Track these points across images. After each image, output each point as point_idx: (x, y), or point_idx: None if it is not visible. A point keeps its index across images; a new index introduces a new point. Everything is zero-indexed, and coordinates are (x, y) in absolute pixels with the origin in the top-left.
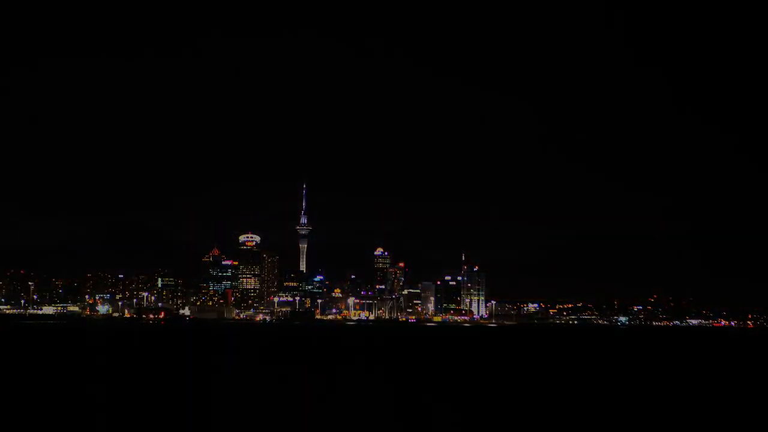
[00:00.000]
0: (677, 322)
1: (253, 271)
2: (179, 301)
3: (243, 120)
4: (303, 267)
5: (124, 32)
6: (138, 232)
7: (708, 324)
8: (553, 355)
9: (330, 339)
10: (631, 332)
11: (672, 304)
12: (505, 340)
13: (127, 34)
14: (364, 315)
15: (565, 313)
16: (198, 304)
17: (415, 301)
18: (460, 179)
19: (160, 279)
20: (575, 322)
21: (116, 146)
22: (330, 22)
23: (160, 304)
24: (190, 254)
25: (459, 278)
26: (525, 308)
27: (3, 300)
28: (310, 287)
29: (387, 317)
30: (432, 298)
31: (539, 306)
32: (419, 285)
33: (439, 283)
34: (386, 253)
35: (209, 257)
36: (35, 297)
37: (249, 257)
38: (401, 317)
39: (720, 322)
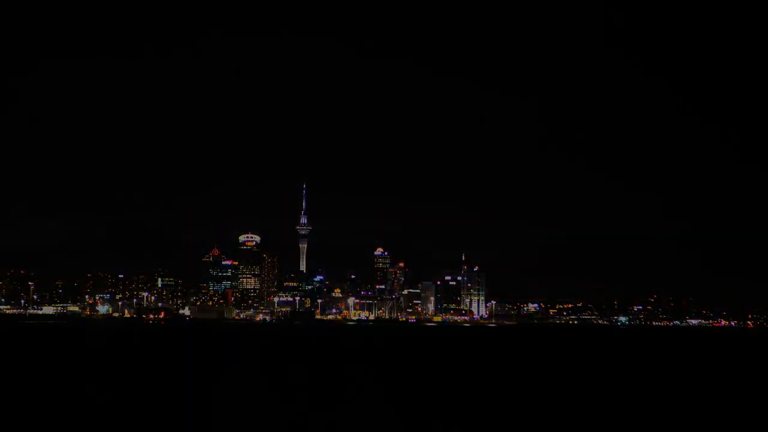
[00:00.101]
0: (677, 322)
1: (253, 271)
2: (179, 301)
3: (243, 120)
4: (303, 267)
5: (124, 32)
6: (138, 232)
7: (708, 324)
8: (553, 355)
9: (330, 339)
10: (630, 332)
11: (672, 304)
12: (505, 340)
13: (127, 34)
14: (364, 315)
15: (565, 313)
16: (198, 304)
17: (415, 301)
18: (460, 179)
19: (160, 279)
20: (575, 322)
21: (116, 146)
22: (330, 22)
23: (160, 304)
24: (190, 254)
25: (459, 278)
26: (525, 308)
27: (3, 300)
28: (310, 287)
29: (387, 317)
30: (432, 298)
31: (539, 306)
32: (419, 285)
33: (439, 283)
34: (386, 253)
35: (209, 257)
36: (35, 297)
37: (249, 257)
38: (401, 317)
39: (720, 322)
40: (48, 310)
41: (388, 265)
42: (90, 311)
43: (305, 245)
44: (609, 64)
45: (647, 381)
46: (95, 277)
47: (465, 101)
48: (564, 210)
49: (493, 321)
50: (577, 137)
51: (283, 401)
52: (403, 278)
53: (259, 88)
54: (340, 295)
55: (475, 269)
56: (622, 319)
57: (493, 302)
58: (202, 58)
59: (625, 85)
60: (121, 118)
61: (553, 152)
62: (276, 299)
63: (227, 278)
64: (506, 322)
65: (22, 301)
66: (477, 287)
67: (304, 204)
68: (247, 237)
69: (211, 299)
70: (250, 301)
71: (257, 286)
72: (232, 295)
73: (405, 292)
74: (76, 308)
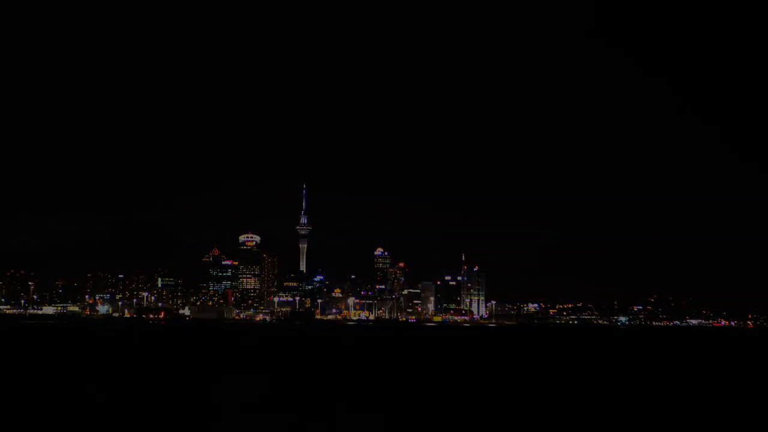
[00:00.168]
0: (677, 322)
1: (253, 271)
2: (179, 301)
3: (243, 120)
4: (303, 267)
5: (124, 32)
6: (138, 232)
7: (708, 324)
8: (553, 355)
9: (330, 339)
10: (629, 332)
11: (672, 304)
12: (505, 340)
13: (128, 34)
14: (364, 315)
15: (565, 313)
16: (198, 304)
17: (415, 301)
18: (460, 179)
19: (160, 279)
20: (575, 322)
21: (116, 146)
22: (330, 22)
23: (160, 304)
24: (190, 254)
25: (459, 278)
26: (525, 308)
27: (3, 300)
28: (310, 287)
29: (387, 317)
30: (432, 298)
31: (539, 306)
32: (419, 285)
33: (439, 283)
34: (386, 253)
35: (209, 257)
36: (35, 297)
37: (249, 257)
38: (401, 317)
39: (720, 322)
40: (48, 310)
41: (388, 265)
42: (90, 311)
43: (305, 245)
44: (609, 65)
45: (647, 381)
46: (95, 277)
47: (465, 101)
48: (564, 210)
49: (493, 321)
50: (577, 137)
51: (282, 401)
52: (403, 278)
53: (259, 88)
54: (340, 295)
55: (475, 269)
56: (622, 319)
57: (493, 302)
58: (202, 58)
59: (626, 85)
60: (121, 119)
61: (553, 152)
62: (276, 299)
63: (227, 278)
64: (506, 322)
65: (22, 301)
66: (477, 287)
67: (304, 204)
68: (247, 237)
69: (211, 299)
70: (250, 301)
71: (257, 286)
72: (232, 295)
73: (405, 292)
74: (76, 308)
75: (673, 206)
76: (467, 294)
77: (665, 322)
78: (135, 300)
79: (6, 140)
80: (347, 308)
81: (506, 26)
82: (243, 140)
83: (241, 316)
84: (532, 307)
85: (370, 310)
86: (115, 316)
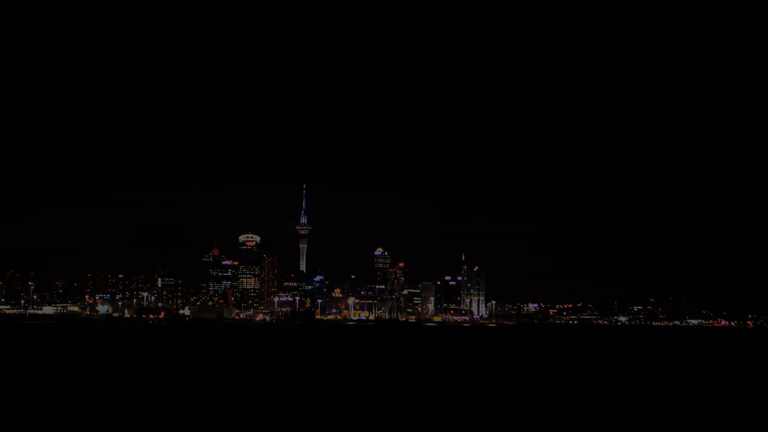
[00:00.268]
0: (677, 322)
1: (253, 271)
2: (179, 301)
3: (243, 120)
4: (303, 267)
5: (124, 32)
6: (138, 232)
7: (708, 324)
8: (553, 355)
9: (330, 339)
10: (628, 332)
11: (672, 304)
12: (505, 340)
13: (128, 33)
14: (364, 315)
15: (565, 313)
16: (198, 304)
17: (415, 301)
18: (460, 179)
19: (160, 279)
20: (575, 322)
21: (116, 146)
22: (330, 22)
23: (160, 304)
24: (190, 254)
25: (459, 278)
26: (525, 308)
27: (3, 300)
28: (310, 287)
29: (387, 317)
30: (432, 298)
31: (539, 306)
32: (419, 285)
33: (439, 283)
34: (386, 253)
35: (209, 257)
36: (35, 297)
37: (249, 257)
38: (401, 317)
39: (720, 322)
40: (48, 310)
41: (388, 265)
42: (90, 311)
43: (305, 245)
44: (609, 63)
45: (647, 381)
46: (95, 277)
47: (465, 101)
48: (564, 210)
49: (493, 321)
50: (576, 137)
51: (281, 401)
52: (403, 278)
53: (259, 88)
54: (340, 295)
55: (475, 269)
56: (622, 319)
57: (493, 302)
58: (202, 58)
59: (628, 81)
60: (121, 119)
61: (553, 152)
62: (276, 299)
63: (227, 278)
64: (506, 322)
65: (22, 301)
66: (477, 287)
67: (304, 204)
68: (247, 237)
69: (211, 299)
70: (250, 301)
71: (257, 286)
72: (232, 295)
73: (405, 292)
74: (76, 308)
75: (673, 206)
76: (467, 294)
77: (665, 322)
78: (135, 300)
79: (6, 140)
80: (347, 308)
81: (506, 25)
82: (243, 140)
83: (241, 316)
84: (532, 307)
85: (370, 310)
86: (115, 316)
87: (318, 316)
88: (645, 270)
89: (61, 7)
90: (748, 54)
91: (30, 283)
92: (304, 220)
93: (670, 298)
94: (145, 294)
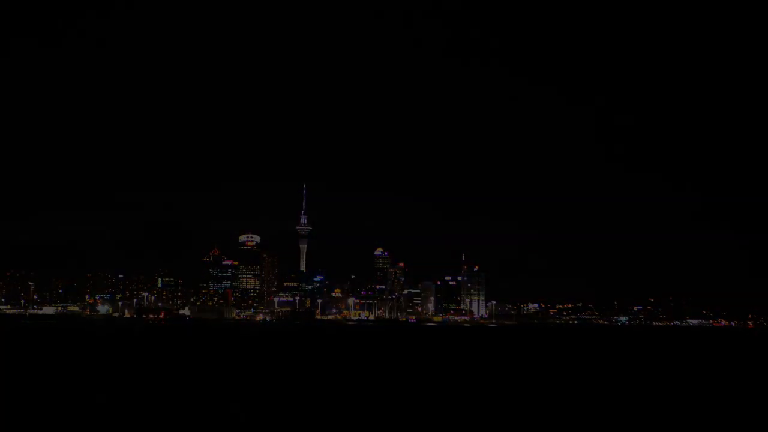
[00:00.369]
0: (677, 322)
1: (253, 271)
2: (179, 301)
3: (243, 120)
4: (303, 267)
5: (124, 32)
6: (138, 232)
7: (708, 324)
8: (554, 355)
9: (330, 339)
10: (628, 332)
11: (672, 304)
12: (505, 340)
13: (128, 34)
14: (364, 315)
15: (565, 313)
16: (198, 304)
17: (415, 300)
18: (460, 179)
19: (160, 279)
20: (575, 322)
21: (117, 146)
22: (330, 22)
23: (160, 304)
24: (190, 254)
25: (459, 278)
26: (525, 308)
27: (3, 300)
28: (310, 287)
29: (387, 317)
30: (432, 298)
31: (539, 306)
32: (419, 285)
33: (439, 283)
34: (386, 253)
35: (209, 257)
36: (35, 297)
37: (249, 257)
38: (401, 317)
39: (720, 322)
40: (48, 310)
41: (388, 265)
42: (90, 311)
43: (305, 245)
44: (609, 63)
45: (647, 381)
46: (95, 277)
47: (466, 101)
48: (564, 210)
49: (494, 321)
50: (576, 137)
51: (281, 401)
52: (403, 278)
53: (259, 88)
54: (340, 295)
55: (475, 269)
56: (622, 319)
57: (493, 302)
58: (201, 57)
59: (628, 81)
60: (121, 118)
61: (553, 152)
62: (276, 299)
63: (227, 278)
64: (506, 322)
65: (22, 301)
66: (477, 287)
67: (304, 204)
68: (247, 237)
69: (211, 299)
70: (250, 301)
71: (257, 286)
72: (232, 295)
73: (405, 292)
74: (76, 308)
75: (673, 206)
76: (467, 294)
77: (665, 322)
78: (135, 300)
79: (6, 140)
80: (347, 308)
81: (505, 25)
82: (243, 140)
83: (241, 316)
84: (532, 307)
85: (370, 310)
86: (115, 316)
87: (318, 316)
88: (645, 270)
89: (61, 7)
90: (748, 54)
91: (30, 283)
92: (304, 220)
93: (670, 298)
94: (145, 294)
